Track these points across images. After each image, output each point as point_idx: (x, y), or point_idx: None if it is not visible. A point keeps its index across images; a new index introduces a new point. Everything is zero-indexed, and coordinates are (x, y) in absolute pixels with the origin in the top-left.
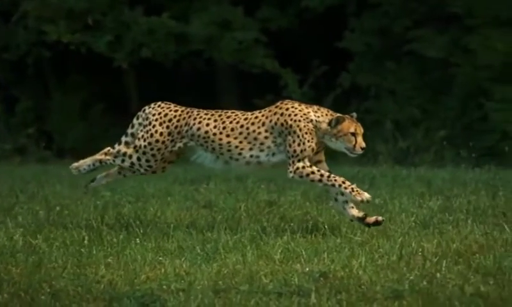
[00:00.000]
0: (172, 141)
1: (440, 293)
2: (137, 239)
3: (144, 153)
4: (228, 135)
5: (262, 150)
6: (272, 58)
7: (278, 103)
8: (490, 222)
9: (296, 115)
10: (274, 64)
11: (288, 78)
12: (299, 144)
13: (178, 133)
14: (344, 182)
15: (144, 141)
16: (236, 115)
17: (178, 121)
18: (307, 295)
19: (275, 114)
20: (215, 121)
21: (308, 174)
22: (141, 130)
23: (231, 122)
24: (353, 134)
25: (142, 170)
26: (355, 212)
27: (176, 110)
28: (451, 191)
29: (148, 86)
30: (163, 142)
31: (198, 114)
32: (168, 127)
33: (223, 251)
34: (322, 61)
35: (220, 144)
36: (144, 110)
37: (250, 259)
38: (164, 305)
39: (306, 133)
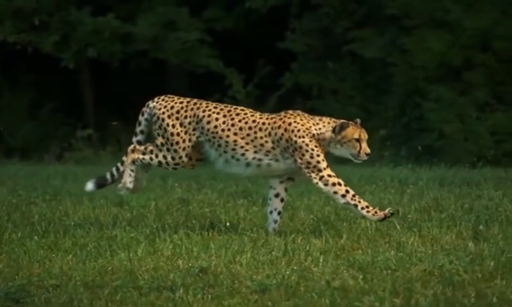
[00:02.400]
0: (186, 132)
1: (306, 287)
2: (36, 237)
3: (168, 149)
4: (235, 134)
5: (266, 155)
6: (217, 58)
7: (282, 116)
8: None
9: (298, 131)
10: (219, 64)
11: (233, 78)
12: (311, 156)
13: (189, 123)
14: (367, 206)
15: (163, 138)
16: (245, 114)
17: (185, 111)
18: (177, 290)
19: (279, 127)
20: (224, 116)
21: (334, 184)
22: (155, 130)
23: (240, 121)
24: (357, 140)
25: (170, 168)
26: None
27: (181, 102)
28: (363, 188)
29: (103, 86)
30: (178, 134)
31: (207, 107)
32: (177, 118)
33: (116, 248)
34: (267, 61)
35: (226, 142)
36: (148, 105)
37: (140, 256)
38: (32, 300)
39: (315, 146)
